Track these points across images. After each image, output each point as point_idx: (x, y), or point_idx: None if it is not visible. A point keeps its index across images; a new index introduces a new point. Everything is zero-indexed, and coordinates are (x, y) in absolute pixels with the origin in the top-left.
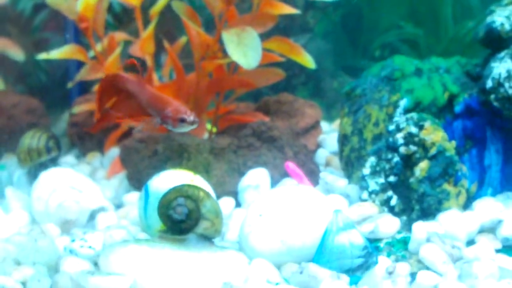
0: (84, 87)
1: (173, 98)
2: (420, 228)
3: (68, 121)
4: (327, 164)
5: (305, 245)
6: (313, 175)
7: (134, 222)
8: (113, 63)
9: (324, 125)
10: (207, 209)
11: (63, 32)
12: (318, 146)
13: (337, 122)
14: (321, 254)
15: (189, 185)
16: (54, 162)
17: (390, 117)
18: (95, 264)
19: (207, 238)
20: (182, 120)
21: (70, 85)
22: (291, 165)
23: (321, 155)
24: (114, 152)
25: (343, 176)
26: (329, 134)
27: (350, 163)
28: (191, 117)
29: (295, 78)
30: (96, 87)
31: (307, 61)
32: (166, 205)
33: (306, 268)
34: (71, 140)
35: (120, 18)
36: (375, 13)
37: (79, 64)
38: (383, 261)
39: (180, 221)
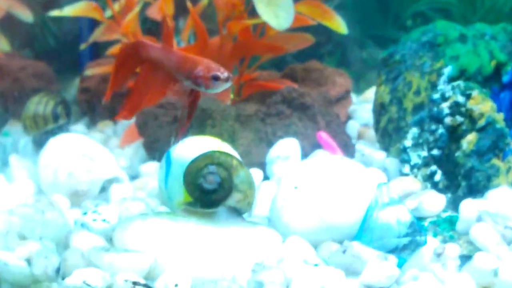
0: (96, 52)
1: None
2: (470, 206)
3: (78, 87)
4: (359, 136)
5: (346, 222)
6: (346, 147)
7: (152, 195)
8: (131, 22)
9: (352, 96)
10: (240, 179)
11: None
12: (349, 117)
13: (366, 94)
14: (363, 232)
15: (220, 152)
16: (62, 130)
17: (433, 85)
18: (110, 239)
19: (237, 212)
20: (216, 78)
21: (83, 46)
22: (324, 136)
23: (352, 127)
24: (127, 121)
25: (378, 149)
26: (359, 106)
27: (387, 135)
28: (225, 73)
29: (321, 47)
30: (111, 50)
31: (340, 26)
32: (194, 173)
33: (350, 247)
34: (82, 107)
35: None
36: None
37: (92, 26)
38: (431, 242)
39: (211, 191)
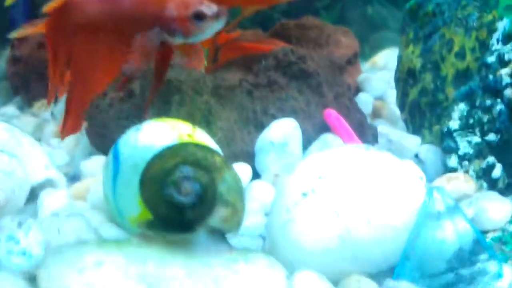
0: (32, 12)
1: None
2: None
3: (8, 57)
4: (375, 114)
5: (383, 244)
6: (361, 129)
7: (97, 205)
8: None
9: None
10: (227, 186)
11: None
12: (358, 89)
13: (374, 59)
14: (408, 259)
15: (196, 144)
16: None
17: (483, 45)
18: (32, 280)
19: (220, 235)
20: (199, 16)
21: (9, 1)
22: (333, 114)
23: (364, 101)
24: None
25: (404, 131)
26: (370, 73)
27: (419, 112)
28: (212, 8)
29: (317, 1)
30: (48, 6)
31: None
32: (159, 178)
33: None
34: (13, 83)
35: None
36: None
37: None
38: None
39: (187, 207)
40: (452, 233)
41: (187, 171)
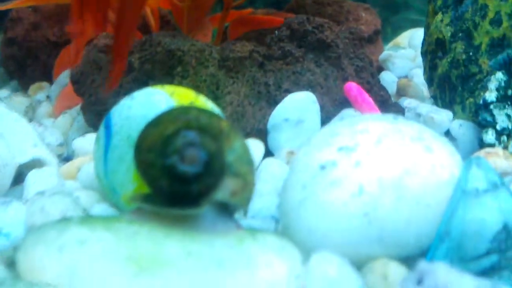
0: None
1: None
2: None
3: (2, 39)
4: (400, 93)
5: (413, 223)
6: (385, 106)
7: (89, 184)
8: None
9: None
10: (236, 155)
11: None
12: (380, 69)
13: (397, 40)
14: (443, 240)
15: (199, 109)
16: None
17: None
18: (11, 264)
19: (227, 213)
20: None
21: None
22: (354, 88)
23: (388, 80)
24: (67, 78)
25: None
26: (393, 52)
27: (449, 86)
28: None
29: None
30: None
31: None
32: (159, 145)
33: (429, 273)
34: (7, 67)
35: None
36: None
37: None
38: None
39: (191, 178)
40: (494, 211)
41: (192, 136)
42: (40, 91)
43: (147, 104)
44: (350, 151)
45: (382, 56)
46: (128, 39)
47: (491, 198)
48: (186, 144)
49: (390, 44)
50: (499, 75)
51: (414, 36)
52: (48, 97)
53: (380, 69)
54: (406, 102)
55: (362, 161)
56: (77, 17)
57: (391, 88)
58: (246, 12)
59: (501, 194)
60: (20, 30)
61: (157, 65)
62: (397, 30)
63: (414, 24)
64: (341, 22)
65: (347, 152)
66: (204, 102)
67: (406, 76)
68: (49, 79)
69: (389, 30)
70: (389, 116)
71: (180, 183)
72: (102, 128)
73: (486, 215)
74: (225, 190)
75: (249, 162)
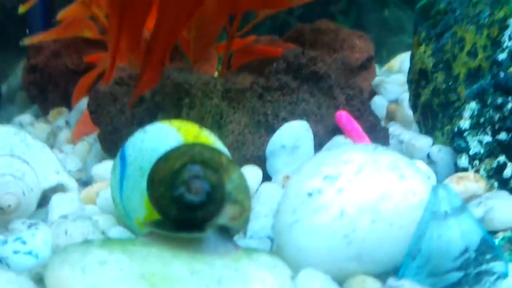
0: (50, 21)
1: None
2: None
3: (25, 66)
4: (389, 117)
5: (387, 243)
6: (373, 131)
7: (106, 208)
8: None
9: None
10: (234, 185)
11: None
12: (373, 93)
13: (391, 64)
14: (413, 258)
15: (202, 145)
16: None
17: (495, 42)
18: (39, 281)
19: (227, 234)
20: None
21: (22, 9)
22: (344, 116)
23: (379, 104)
24: (85, 105)
25: (417, 133)
26: (385, 78)
27: (431, 113)
28: None
29: (333, 5)
30: (63, 13)
31: None
32: (169, 178)
33: None
34: (29, 92)
35: None
36: None
37: None
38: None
39: (197, 206)
40: (458, 233)
41: (196, 170)
42: (59, 116)
43: (157, 138)
44: (334, 179)
45: (375, 81)
46: (163, 51)
47: (455, 221)
48: (192, 177)
49: (385, 67)
50: (473, 104)
51: (405, 60)
52: (67, 122)
53: (373, 93)
54: (391, 129)
55: (344, 188)
56: (115, 36)
57: (382, 112)
58: (250, 40)
59: (463, 218)
60: (41, 58)
61: (167, 97)
62: (392, 52)
63: (408, 47)
64: (337, 50)
65: (331, 181)
66: (207, 135)
67: (396, 100)
68: (68, 104)
69: (384, 53)
70: (370, 147)
71: (186, 211)
72: (117, 159)
73: (451, 236)
74: (226, 215)
75: (245, 190)
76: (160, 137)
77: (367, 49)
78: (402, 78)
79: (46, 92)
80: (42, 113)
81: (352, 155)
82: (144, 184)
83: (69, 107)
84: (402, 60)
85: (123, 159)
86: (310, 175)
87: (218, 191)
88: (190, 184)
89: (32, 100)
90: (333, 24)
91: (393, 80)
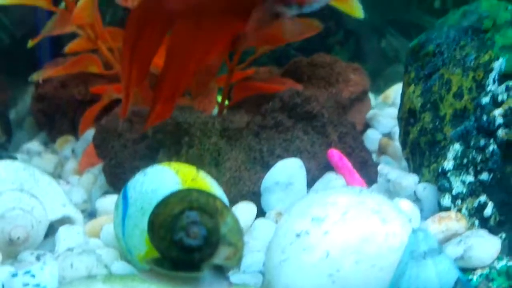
0: (58, 49)
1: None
2: None
3: (33, 94)
4: (381, 150)
5: (369, 283)
6: (365, 167)
7: (109, 242)
8: (83, 11)
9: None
10: (229, 228)
11: None
12: (366, 125)
13: (386, 94)
14: None
15: (199, 191)
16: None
17: (480, 85)
18: None
19: (221, 272)
20: None
21: (31, 43)
22: (336, 154)
23: (372, 138)
24: (91, 135)
25: (406, 168)
26: (379, 110)
27: (419, 151)
28: None
29: (331, 36)
30: (70, 46)
31: (355, 8)
32: (169, 223)
33: None
34: (38, 120)
35: None
36: None
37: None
38: None
39: (194, 249)
40: (434, 273)
41: (194, 216)
42: (66, 144)
43: (156, 180)
44: (321, 221)
45: (369, 114)
46: (175, 86)
47: (431, 262)
48: (190, 222)
49: (381, 97)
50: (457, 145)
51: (400, 91)
52: (73, 151)
53: (367, 126)
54: (379, 167)
55: (329, 230)
56: (127, 69)
57: (376, 145)
58: (250, 72)
59: (440, 259)
60: (49, 88)
61: (168, 135)
62: (389, 81)
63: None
64: (332, 84)
65: (318, 223)
66: (204, 177)
67: (389, 133)
68: (75, 132)
69: (381, 82)
70: (356, 190)
71: (185, 253)
72: (120, 198)
73: (428, 276)
74: (221, 256)
75: (239, 231)
76: (159, 179)
77: (362, 82)
78: (395, 111)
79: (53, 121)
80: (50, 139)
81: (338, 198)
82: (144, 223)
83: (76, 135)
84: (397, 91)
85: (125, 199)
86: (299, 216)
87: (214, 235)
88: (188, 229)
89: (40, 127)
90: (329, 57)
91: (386, 113)
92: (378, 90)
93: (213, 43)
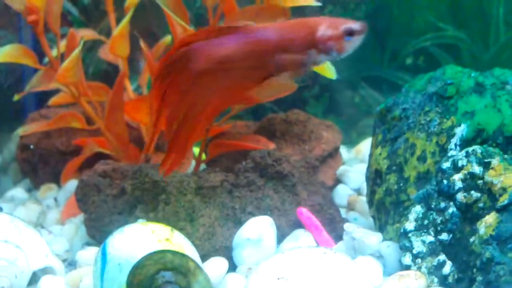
0: (43, 98)
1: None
2: None
3: (18, 144)
4: (350, 207)
5: None
6: (333, 224)
7: None
8: (69, 68)
9: (342, 151)
10: (200, 286)
11: (18, 30)
12: (337, 181)
13: (359, 147)
14: None
15: (173, 252)
16: None
17: (442, 149)
18: None
19: None
20: (350, 33)
21: (16, 97)
22: (305, 213)
23: (342, 193)
24: (73, 185)
25: (372, 225)
26: (350, 165)
27: (384, 210)
28: (356, 25)
29: (306, 90)
30: (54, 99)
31: (328, 70)
32: (145, 284)
33: None
34: (22, 168)
35: (90, 12)
36: (408, 12)
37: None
38: None
39: None
40: None
41: (168, 276)
42: (49, 192)
43: (133, 239)
44: (285, 281)
45: (340, 170)
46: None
47: None
48: (165, 282)
49: (354, 150)
50: (418, 207)
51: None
52: (56, 200)
53: (338, 181)
54: (345, 225)
55: None
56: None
57: (345, 201)
58: (227, 127)
59: None
60: (33, 138)
61: (145, 192)
62: (361, 134)
63: None
64: (305, 141)
65: (283, 282)
66: (178, 236)
67: (358, 189)
68: (57, 181)
69: (354, 134)
70: (321, 250)
71: None
72: (99, 253)
73: None
74: None
75: None
76: (136, 238)
77: (333, 140)
78: (365, 167)
79: (37, 169)
80: (34, 186)
81: (303, 258)
82: (121, 278)
83: (58, 183)
84: (369, 146)
85: (103, 255)
86: (265, 276)
87: None
88: None
89: (25, 174)
90: (303, 114)
91: (357, 169)
92: (351, 142)
93: (232, 98)
